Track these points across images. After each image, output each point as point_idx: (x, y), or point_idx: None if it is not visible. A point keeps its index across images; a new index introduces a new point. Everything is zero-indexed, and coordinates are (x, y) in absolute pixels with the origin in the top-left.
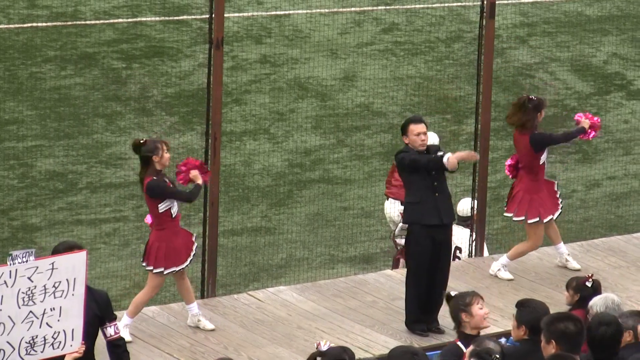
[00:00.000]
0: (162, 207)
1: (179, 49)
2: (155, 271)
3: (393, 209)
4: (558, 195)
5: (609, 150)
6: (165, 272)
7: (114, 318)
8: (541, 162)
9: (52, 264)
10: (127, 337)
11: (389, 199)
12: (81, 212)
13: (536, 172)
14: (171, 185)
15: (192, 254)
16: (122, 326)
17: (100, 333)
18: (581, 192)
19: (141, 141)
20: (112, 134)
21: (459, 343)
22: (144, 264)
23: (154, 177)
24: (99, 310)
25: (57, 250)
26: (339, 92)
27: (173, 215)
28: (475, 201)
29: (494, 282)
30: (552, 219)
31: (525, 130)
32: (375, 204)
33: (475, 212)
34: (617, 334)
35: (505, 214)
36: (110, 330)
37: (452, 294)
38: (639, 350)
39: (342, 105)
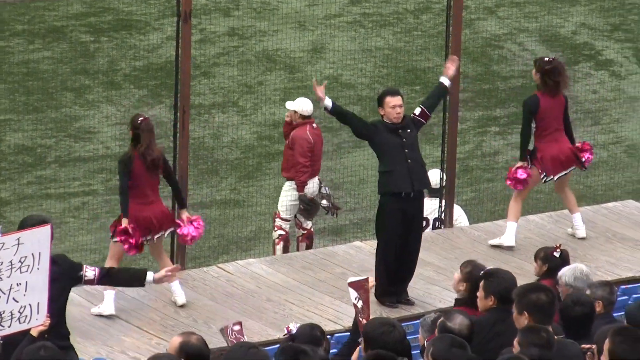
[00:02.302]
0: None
1: (147, 22)
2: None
3: (314, 185)
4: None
5: (578, 121)
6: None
7: (79, 264)
8: None
9: (18, 239)
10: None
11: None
12: (50, 186)
13: None
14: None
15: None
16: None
17: (71, 305)
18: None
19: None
20: (80, 107)
21: None
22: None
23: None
24: (62, 272)
25: (23, 225)
26: (307, 64)
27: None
28: (444, 172)
29: (463, 254)
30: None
31: None
32: (344, 176)
33: (443, 183)
34: (591, 314)
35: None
36: (89, 274)
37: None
38: (608, 321)
39: (311, 77)
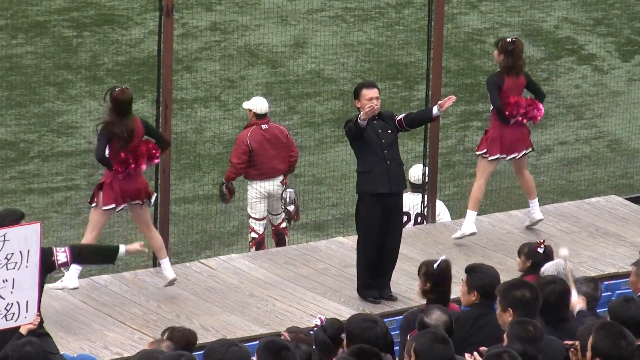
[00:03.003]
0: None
1: (130, 17)
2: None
3: (271, 186)
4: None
5: (560, 116)
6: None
7: (50, 249)
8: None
9: (4, 235)
10: (76, 284)
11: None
12: (33, 180)
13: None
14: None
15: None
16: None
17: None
18: (532, 157)
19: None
20: (63, 102)
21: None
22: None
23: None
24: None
25: None
26: (289, 58)
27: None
28: (427, 167)
29: (446, 249)
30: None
31: None
32: (326, 171)
33: (426, 178)
34: (564, 292)
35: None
36: (61, 258)
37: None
38: (591, 318)
39: (293, 72)
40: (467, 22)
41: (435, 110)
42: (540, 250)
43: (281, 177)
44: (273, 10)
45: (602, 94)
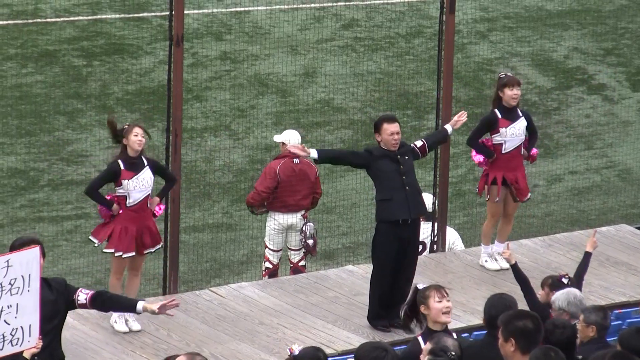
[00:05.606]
0: (117, 190)
1: (139, 46)
2: (105, 251)
3: (292, 218)
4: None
5: (571, 145)
6: (117, 255)
7: (76, 289)
8: (494, 142)
9: (7, 261)
10: (138, 327)
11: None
12: (43, 209)
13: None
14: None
15: (147, 250)
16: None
17: (65, 325)
18: (543, 186)
19: (118, 127)
20: (73, 131)
21: (420, 338)
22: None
23: (117, 160)
24: (59, 298)
25: (13, 247)
26: (299, 88)
27: (127, 204)
28: (436, 197)
29: (456, 277)
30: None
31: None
32: (336, 200)
33: (435, 207)
34: (572, 337)
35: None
36: (81, 298)
37: (419, 287)
38: (601, 346)
39: (303, 101)
40: (477, 51)
41: (449, 129)
42: (565, 280)
43: (302, 211)
44: (283, 39)
45: (613, 124)
